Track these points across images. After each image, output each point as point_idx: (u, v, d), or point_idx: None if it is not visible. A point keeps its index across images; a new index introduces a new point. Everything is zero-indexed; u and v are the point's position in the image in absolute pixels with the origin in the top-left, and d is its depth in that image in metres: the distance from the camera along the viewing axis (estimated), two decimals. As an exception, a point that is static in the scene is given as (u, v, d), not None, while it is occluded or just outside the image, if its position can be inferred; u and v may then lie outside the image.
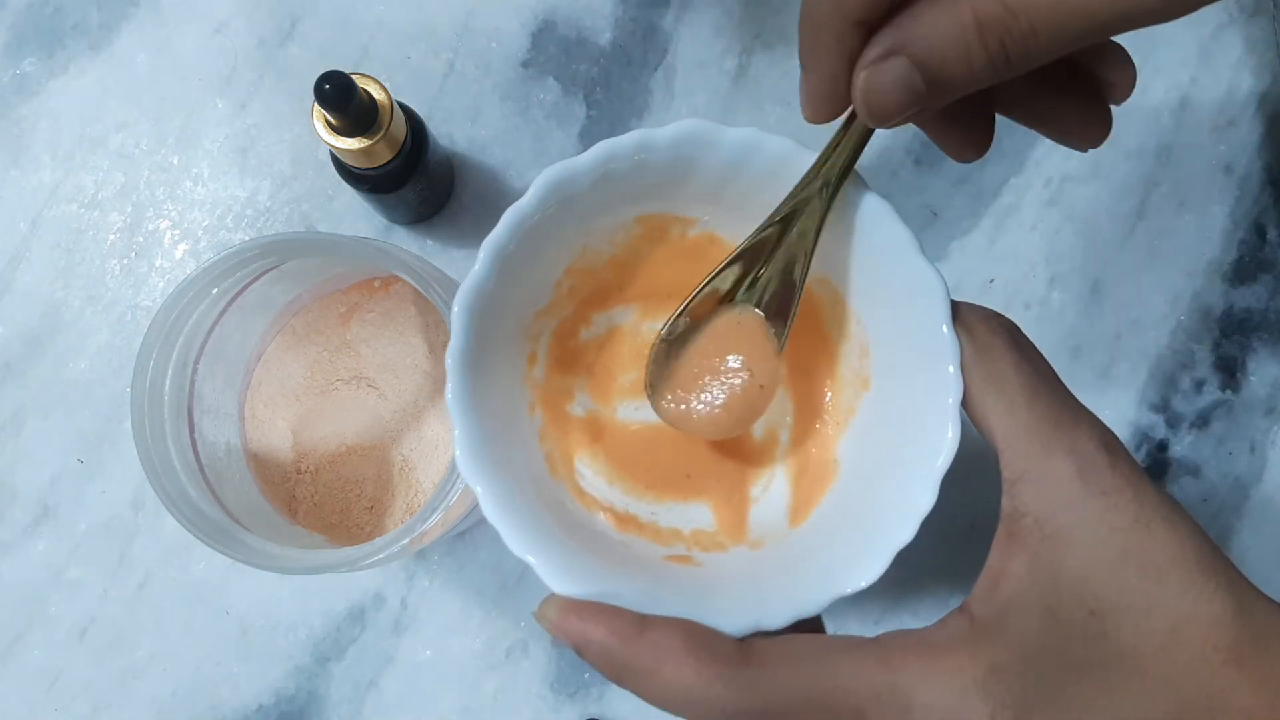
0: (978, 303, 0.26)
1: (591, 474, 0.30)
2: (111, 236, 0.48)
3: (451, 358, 0.25)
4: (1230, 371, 0.48)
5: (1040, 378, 0.24)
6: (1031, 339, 0.26)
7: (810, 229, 0.27)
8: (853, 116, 0.25)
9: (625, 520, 0.29)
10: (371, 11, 0.48)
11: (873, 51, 0.23)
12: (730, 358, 0.29)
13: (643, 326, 0.31)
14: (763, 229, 0.27)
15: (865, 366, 0.28)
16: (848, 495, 0.28)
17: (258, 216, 0.48)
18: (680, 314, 0.29)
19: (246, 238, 0.48)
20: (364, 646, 0.46)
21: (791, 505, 0.29)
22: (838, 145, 0.26)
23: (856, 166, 0.26)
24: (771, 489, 0.30)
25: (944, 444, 0.25)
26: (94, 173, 0.48)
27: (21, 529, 0.47)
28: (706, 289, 0.28)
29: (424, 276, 0.35)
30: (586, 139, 0.48)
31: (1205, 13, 0.49)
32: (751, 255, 0.28)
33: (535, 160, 0.48)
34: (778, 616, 0.24)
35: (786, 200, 0.27)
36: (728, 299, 0.29)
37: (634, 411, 0.31)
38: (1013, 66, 0.21)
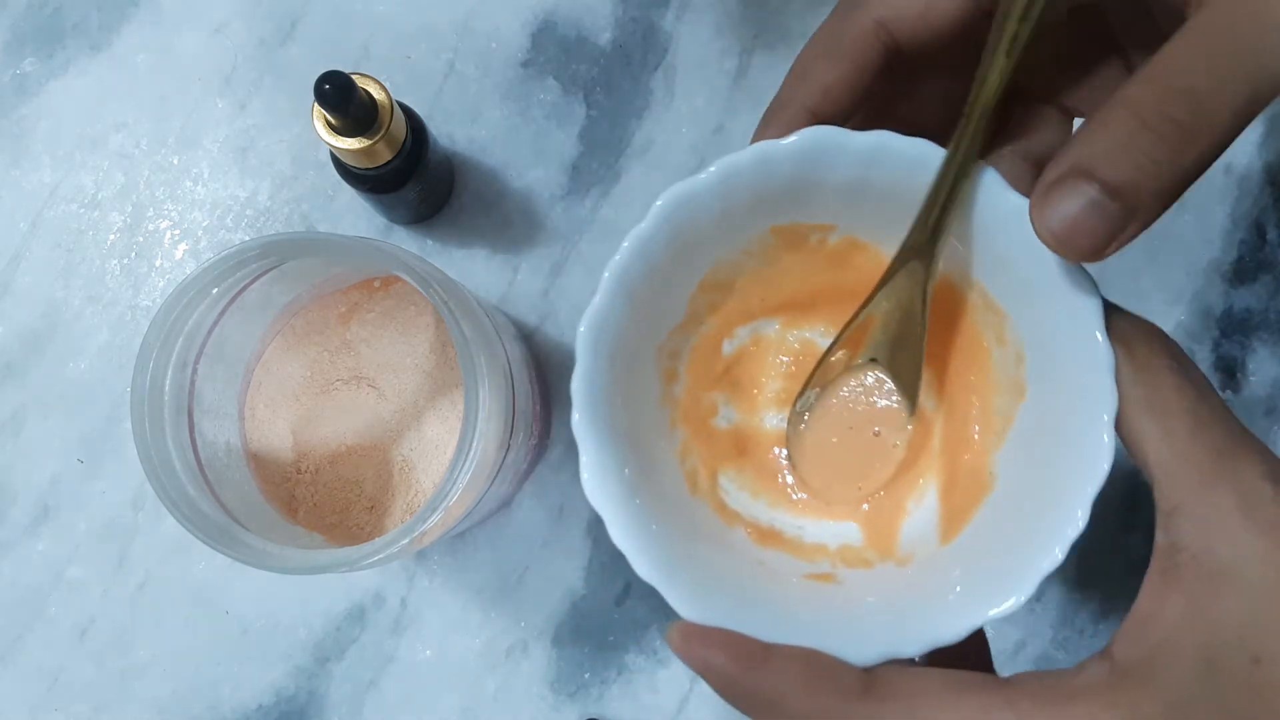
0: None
1: (735, 488, 0.29)
2: (111, 236, 0.48)
3: (577, 386, 0.25)
4: (1230, 371, 0.48)
5: (1203, 402, 0.22)
6: None
7: (918, 288, 0.26)
8: (942, 179, 0.24)
9: (768, 535, 0.28)
10: (371, 11, 0.48)
11: (1045, 183, 0.21)
12: (861, 420, 0.29)
13: (788, 336, 0.30)
14: (871, 296, 0.27)
15: (1021, 373, 0.27)
16: (1001, 511, 0.26)
17: (258, 216, 0.48)
18: (808, 385, 0.29)
19: (246, 238, 0.48)
20: (364, 646, 0.46)
21: (943, 520, 0.28)
22: (933, 204, 0.25)
23: (988, 163, 0.25)
24: (924, 503, 0.29)
25: (1099, 463, 0.23)
26: (94, 173, 0.48)
27: (21, 529, 0.47)
28: (830, 358, 0.28)
29: (424, 276, 0.35)
30: (586, 139, 0.48)
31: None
32: (867, 321, 0.27)
33: (535, 160, 0.48)
34: (913, 644, 0.23)
35: (891, 266, 0.26)
36: (853, 360, 0.28)
37: (781, 421, 0.30)
38: (1196, 139, 0.20)
